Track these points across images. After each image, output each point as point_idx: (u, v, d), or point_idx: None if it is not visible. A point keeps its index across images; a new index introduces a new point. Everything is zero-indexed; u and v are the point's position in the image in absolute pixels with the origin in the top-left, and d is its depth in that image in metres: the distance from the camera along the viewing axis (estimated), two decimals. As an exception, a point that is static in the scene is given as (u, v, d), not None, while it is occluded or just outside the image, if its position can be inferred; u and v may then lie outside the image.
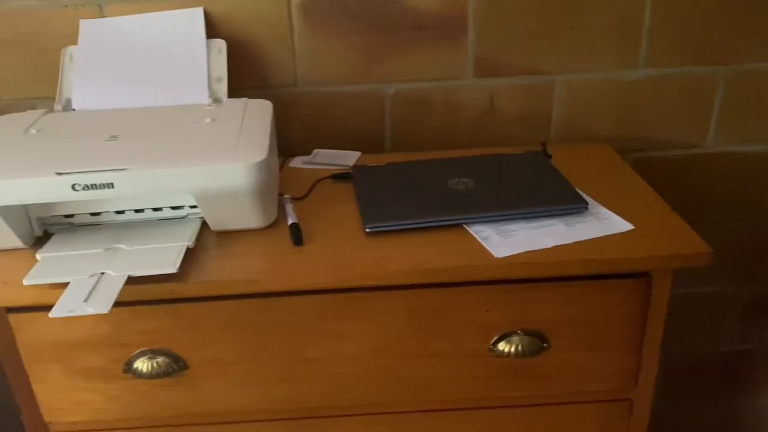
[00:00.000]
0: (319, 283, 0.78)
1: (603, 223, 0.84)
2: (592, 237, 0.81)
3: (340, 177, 0.99)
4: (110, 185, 0.75)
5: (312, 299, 0.80)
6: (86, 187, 0.74)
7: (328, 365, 0.84)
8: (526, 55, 1.07)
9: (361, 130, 1.11)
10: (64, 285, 0.74)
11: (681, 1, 1.04)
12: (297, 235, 0.83)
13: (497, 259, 0.78)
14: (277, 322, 0.81)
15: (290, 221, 0.86)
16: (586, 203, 0.86)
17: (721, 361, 1.34)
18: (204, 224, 0.85)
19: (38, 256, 0.79)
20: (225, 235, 0.85)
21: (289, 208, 0.90)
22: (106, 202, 0.82)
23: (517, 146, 1.08)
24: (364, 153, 1.08)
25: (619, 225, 0.84)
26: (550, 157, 0.99)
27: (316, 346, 0.83)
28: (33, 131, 0.87)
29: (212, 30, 1.02)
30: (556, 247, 0.80)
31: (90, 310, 0.68)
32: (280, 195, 0.92)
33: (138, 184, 0.75)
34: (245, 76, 1.06)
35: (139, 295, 0.76)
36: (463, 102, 1.09)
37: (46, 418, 0.86)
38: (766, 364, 1.34)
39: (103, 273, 0.74)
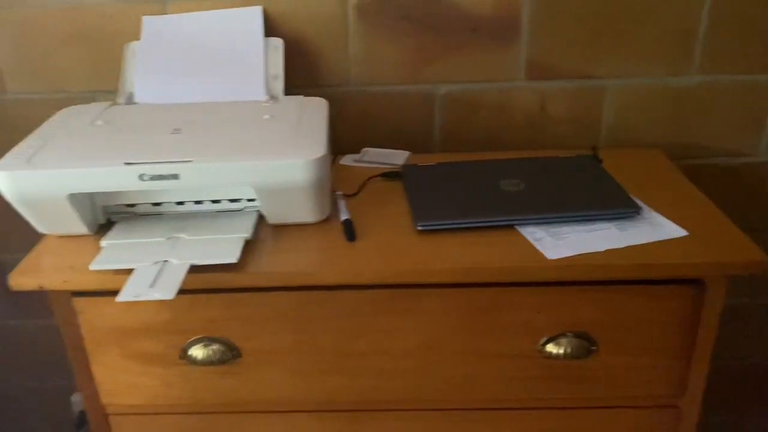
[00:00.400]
0: (371, 278, 0.80)
1: (656, 228, 0.84)
2: (645, 242, 0.81)
3: (391, 175, 1.00)
4: (176, 176, 0.77)
5: (363, 294, 0.82)
6: (153, 178, 0.77)
7: (375, 360, 0.85)
8: (578, 58, 1.07)
9: (410, 129, 1.12)
10: (128, 271, 0.76)
11: (738, 9, 1.03)
12: (350, 231, 0.85)
13: (550, 260, 0.78)
14: (328, 315, 0.83)
15: (343, 217, 0.88)
16: (639, 207, 0.86)
17: None
18: (260, 217, 0.87)
19: (103, 243, 0.82)
20: (280, 228, 0.87)
21: (342, 204, 0.91)
22: (168, 192, 0.85)
23: (566, 150, 1.08)
24: (412, 153, 1.09)
25: (673, 231, 0.83)
26: (601, 161, 0.99)
27: (365, 340, 0.84)
28: (99, 123, 0.91)
29: (270, 28, 1.05)
30: (608, 250, 0.80)
31: (156, 295, 0.71)
32: (333, 191, 0.94)
33: (202, 176, 0.78)
34: (299, 74, 1.08)
35: (198, 283, 0.79)
36: (514, 104, 1.10)
37: (104, 400, 0.89)
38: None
39: (166, 261, 0.77)
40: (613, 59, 1.07)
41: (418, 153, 1.10)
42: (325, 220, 0.88)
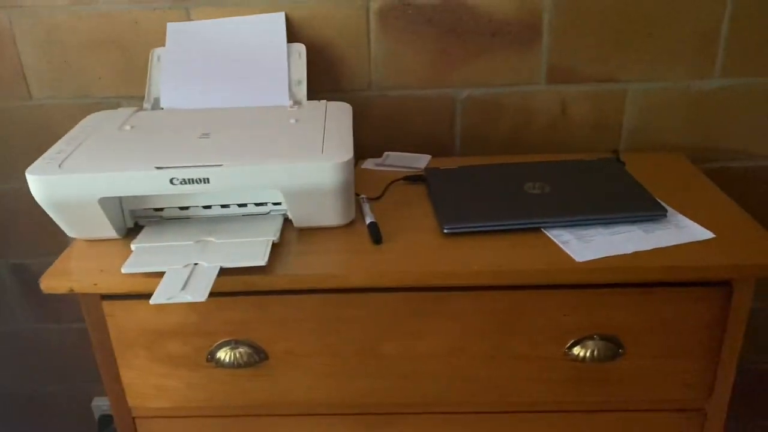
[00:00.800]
0: (399, 280, 0.80)
1: (682, 230, 0.84)
2: (671, 244, 0.81)
3: (414, 179, 1.00)
4: (206, 180, 0.78)
5: (391, 296, 0.82)
6: (184, 182, 0.78)
7: (403, 362, 0.86)
8: (599, 62, 1.07)
9: (431, 133, 1.13)
10: (158, 274, 0.77)
11: (759, 12, 1.03)
12: (376, 234, 0.85)
13: (578, 263, 0.78)
14: (355, 318, 0.83)
15: (368, 220, 0.89)
16: (665, 210, 0.86)
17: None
18: (286, 220, 0.88)
19: (133, 247, 0.82)
20: (306, 231, 0.87)
21: (366, 207, 0.92)
22: (195, 196, 0.86)
23: (588, 153, 1.08)
24: (434, 156, 1.10)
25: (699, 233, 0.83)
26: (624, 163, 0.99)
27: (392, 342, 0.85)
28: (127, 128, 0.92)
29: (293, 34, 1.05)
30: (635, 253, 0.80)
31: (188, 297, 0.72)
32: (357, 195, 0.95)
33: (232, 180, 0.79)
34: (322, 79, 1.09)
35: (226, 286, 0.79)
36: (535, 108, 1.10)
37: (131, 403, 0.90)
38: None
39: (196, 264, 0.77)
40: (635, 63, 1.07)
41: (440, 156, 1.10)
42: (350, 224, 0.89)
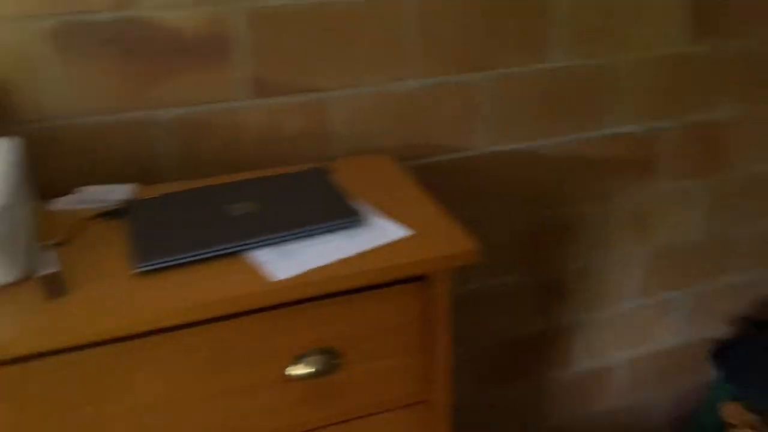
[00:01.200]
0: (84, 337, 0.71)
1: (381, 232, 0.86)
2: (371, 247, 0.83)
3: (110, 214, 0.91)
4: None
5: (82, 356, 0.73)
6: None
7: (111, 424, 0.76)
8: (302, 73, 1.07)
9: (134, 161, 1.03)
10: None
11: (441, 16, 1.11)
12: (57, 287, 0.75)
13: (278, 282, 0.76)
14: (41, 389, 0.72)
15: (48, 271, 0.77)
16: (359, 215, 0.87)
17: (520, 346, 1.45)
18: (-63, 288, 0.73)
19: None
20: (-34, 297, 0.73)
21: (48, 256, 0.80)
22: None
23: (301, 164, 1.08)
24: (144, 184, 1.01)
25: (398, 232, 0.86)
26: (329, 172, 1.00)
27: (95, 406, 0.75)
28: None
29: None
30: (337, 261, 0.80)
31: None
32: (38, 243, 0.83)
33: None
34: (-13, 112, 0.93)
35: None
36: (243, 123, 1.06)
37: None
38: (556, 343, 1.48)
39: None
40: (336, 71, 1.09)
41: (149, 184, 1.02)
42: (27, 279, 0.77)
